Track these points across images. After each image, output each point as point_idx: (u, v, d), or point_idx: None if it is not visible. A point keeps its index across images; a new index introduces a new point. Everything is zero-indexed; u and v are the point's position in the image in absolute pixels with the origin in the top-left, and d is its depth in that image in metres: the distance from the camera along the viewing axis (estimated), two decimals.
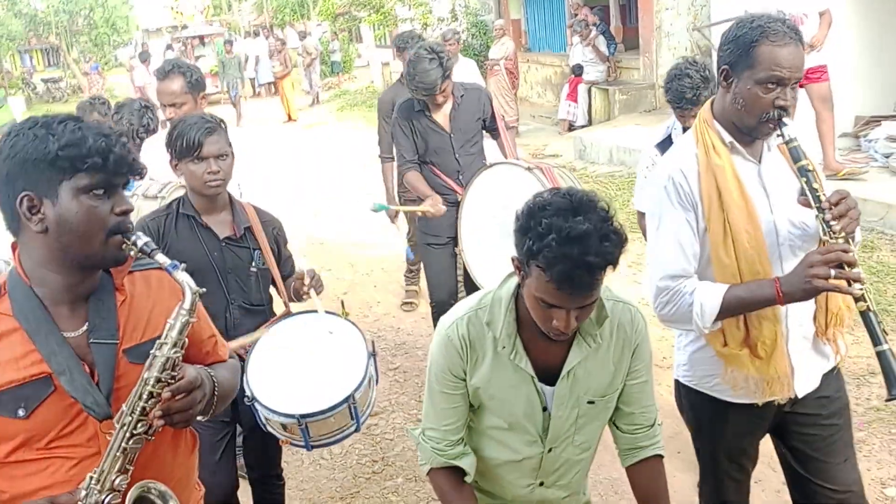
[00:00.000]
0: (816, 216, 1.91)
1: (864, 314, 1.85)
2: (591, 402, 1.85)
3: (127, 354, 1.57)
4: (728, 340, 2.11)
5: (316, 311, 2.73)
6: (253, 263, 2.74)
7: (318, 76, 19.83)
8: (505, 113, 10.80)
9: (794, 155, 1.95)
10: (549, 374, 1.82)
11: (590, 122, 11.63)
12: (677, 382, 2.38)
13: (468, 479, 1.93)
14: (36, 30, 30.77)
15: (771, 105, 1.97)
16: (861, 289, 1.85)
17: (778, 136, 1.99)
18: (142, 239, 1.51)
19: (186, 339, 1.53)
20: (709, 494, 2.43)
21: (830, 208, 1.88)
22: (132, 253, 1.52)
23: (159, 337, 1.52)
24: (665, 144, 3.21)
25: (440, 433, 1.90)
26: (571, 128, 11.63)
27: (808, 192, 1.92)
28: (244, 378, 2.49)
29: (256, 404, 2.53)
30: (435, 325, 4.17)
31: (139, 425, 1.47)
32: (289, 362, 2.63)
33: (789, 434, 2.26)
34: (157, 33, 40.20)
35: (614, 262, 1.61)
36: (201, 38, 27.43)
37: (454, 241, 4.10)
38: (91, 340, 1.55)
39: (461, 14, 16.19)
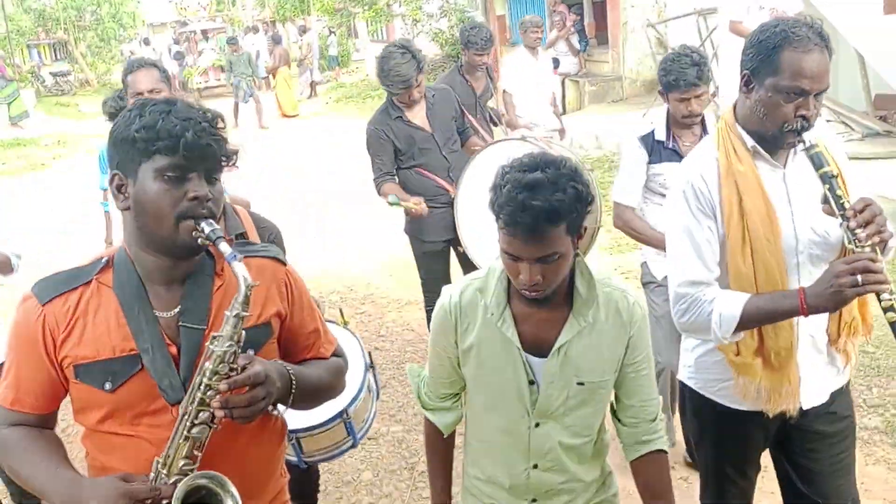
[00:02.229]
0: (840, 224, 1.82)
1: (894, 325, 1.76)
2: (580, 384, 1.82)
3: None
4: (741, 349, 2.05)
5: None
6: None
7: (317, 70, 20.70)
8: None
9: (816, 161, 1.86)
10: (542, 350, 1.82)
11: (564, 112, 12.54)
12: (682, 385, 2.33)
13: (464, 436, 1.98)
14: (44, 25, 31.67)
15: (793, 115, 1.88)
16: (890, 297, 1.76)
17: (799, 142, 1.90)
18: (209, 226, 1.48)
19: (243, 332, 1.48)
20: (711, 500, 2.38)
21: (855, 216, 1.79)
22: (200, 240, 1.48)
23: (235, 326, 1.48)
24: (648, 138, 3.21)
25: (433, 383, 2.00)
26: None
27: (831, 200, 1.83)
28: None
29: None
30: (430, 327, 4.69)
31: (201, 415, 1.46)
32: None
33: (794, 449, 2.21)
34: (161, 28, 41.10)
35: (562, 212, 1.61)
36: (204, 32, 28.41)
37: (449, 244, 4.19)
38: (180, 323, 1.55)
39: (450, 10, 17.04)
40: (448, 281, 4.30)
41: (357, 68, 23.15)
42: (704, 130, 3.19)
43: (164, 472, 1.47)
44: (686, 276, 2.03)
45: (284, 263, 1.70)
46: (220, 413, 1.46)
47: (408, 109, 4.02)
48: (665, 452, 1.92)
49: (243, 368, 1.47)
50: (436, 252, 4.21)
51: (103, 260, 1.58)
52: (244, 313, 1.48)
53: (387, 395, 4.47)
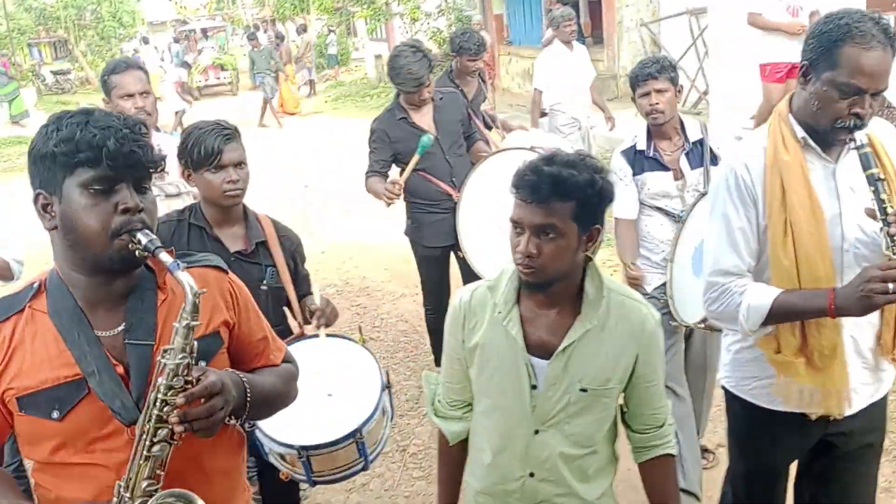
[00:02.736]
0: (881, 228, 1.79)
1: None
2: (583, 390, 1.81)
3: None
4: (782, 347, 2.00)
5: (337, 336, 2.69)
6: (264, 281, 2.58)
7: (313, 69, 20.88)
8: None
9: (864, 162, 1.83)
10: (547, 353, 1.82)
11: None
12: (723, 388, 2.31)
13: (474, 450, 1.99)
14: (45, 23, 31.80)
15: (847, 111, 1.85)
16: None
17: (850, 139, 1.86)
18: (146, 236, 1.42)
19: (195, 343, 1.43)
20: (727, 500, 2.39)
21: None
22: (137, 252, 1.43)
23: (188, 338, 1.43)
24: (629, 152, 3.25)
25: (445, 389, 2.01)
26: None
27: (874, 202, 1.79)
28: None
29: (257, 431, 2.41)
30: (429, 328, 4.57)
31: (159, 432, 1.40)
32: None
33: (819, 455, 2.18)
34: (161, 26, 41.22)
35: (569, 186, 1.66)
36: (204, 31, 28.57)
37: (449, 249, 4.17)
38: (126, 341, 1.49)
39: (448, 9, 17.18)
40: (447, 284, 4.38)
41: (356, 67, 23.30)
42: (686, 139, 3.21)
43: (128, 495, 1.41)
44: (718, 265, 2.02)
45: (226, 272, 1.66)
46: (179, 428, 1.40)
47: (414, 112, 3.99)
48: (672, 456, 1.97)
49: (198, 380, 1.42)
50: (434, 257, 4.24)
51: (34, 285, 1.53)
52: (194, 322, 1.42)
53: None
